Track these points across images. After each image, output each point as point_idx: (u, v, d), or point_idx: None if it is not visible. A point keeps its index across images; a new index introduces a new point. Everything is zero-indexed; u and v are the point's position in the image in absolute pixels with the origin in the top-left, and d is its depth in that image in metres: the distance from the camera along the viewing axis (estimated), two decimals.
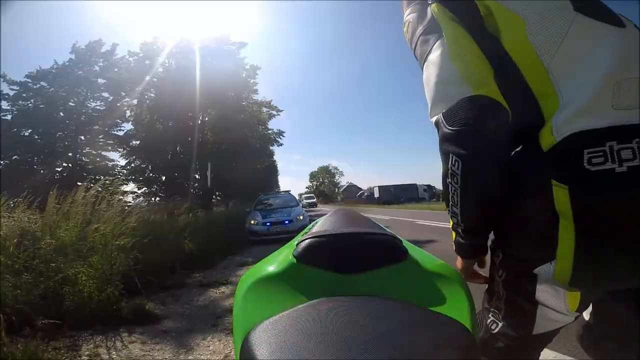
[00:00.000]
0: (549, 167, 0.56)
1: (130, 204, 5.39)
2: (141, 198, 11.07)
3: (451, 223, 0.70)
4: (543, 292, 0.62)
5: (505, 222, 0.66)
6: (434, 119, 0.64)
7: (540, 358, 0.74)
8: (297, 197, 13.90)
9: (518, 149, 0.63)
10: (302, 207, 9.97)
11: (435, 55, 0.64)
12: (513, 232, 0.66)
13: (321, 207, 30.27)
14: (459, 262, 0.75)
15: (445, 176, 0.63)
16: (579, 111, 0.55)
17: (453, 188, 0.63)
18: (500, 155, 0.61)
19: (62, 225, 3.11)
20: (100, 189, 3.95)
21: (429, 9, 0.67)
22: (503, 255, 0.69)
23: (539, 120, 0.59)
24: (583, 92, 0.55)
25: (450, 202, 0.66)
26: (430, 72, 0.65)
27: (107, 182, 4.29)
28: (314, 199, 46.33)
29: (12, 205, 3.36)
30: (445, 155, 0.62)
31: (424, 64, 0.67)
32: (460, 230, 0.69)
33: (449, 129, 0.60)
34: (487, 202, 0.63)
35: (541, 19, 0.59)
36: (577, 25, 0.59)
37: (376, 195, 42.86)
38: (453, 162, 0.60)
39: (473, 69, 0.60)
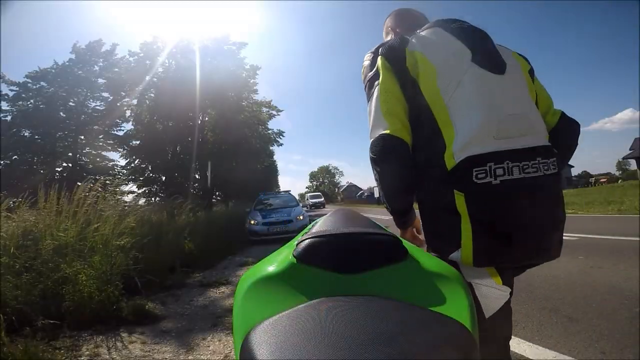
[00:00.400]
0: (452, 181, 0.78)
1: (130, 203, 5.37)
2: (142, 199, 11.07)
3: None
4: (469, 272, 0.78)
5: (425, 223, 0.88)
6: (371, 139, 0.89)
7: (540, 358, 0.76)
8: (298, 197, 13.88)
9: (433, 167, 0.82)
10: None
11: (374, 97, 0.88)
12: (431, 229, 0.87)
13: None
14: (400, 232, 0.98)
15: (377, 175, 0.90)
16: (469, 141, 0.76)
17: (379, 187, 0.93)
18: (396, 173, 0.85)
19: (63, 225, 3.11)
20: (100, 188, 3.94)
21: (378, 59, 0.90)
22: (428, 246, 0.89)
23: (442, 144, 0.80)
24: (471, 126, 0.77)
25: (380, 195, 0.97)
26: (370, 109, 0.89)
27: (107, 181, 4.28)
28: (321, 197, 35.64)
29: (12, 205, 3.35)
30: (372, 160, 0.88)
31: (368, 102, 0.92)
32: (389, 212, 0.95)
33: (370, 154, 0.87)
34: (395, 199, 0.91)
35: (447, 67, 0.82)
36: (470, 73, 0.81)
37: (376, 195, 42.76)
38: (374, 174, 0.89)
39: (392, 111, 0.84)
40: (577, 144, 0.99)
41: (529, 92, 0.88)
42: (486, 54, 0.85)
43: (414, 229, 0.99)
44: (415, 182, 0.87)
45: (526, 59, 0.98)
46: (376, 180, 0.91)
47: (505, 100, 0.80)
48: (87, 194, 3.63)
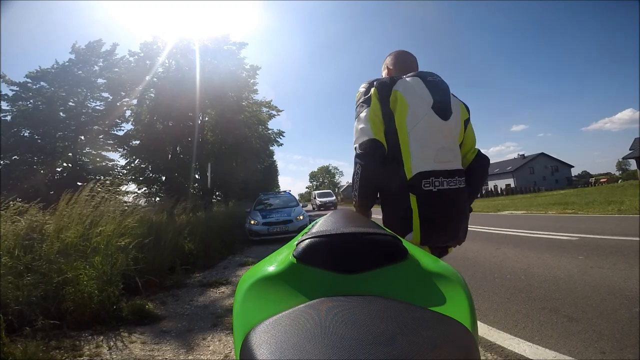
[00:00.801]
0: (409, 187, 1.15)
1: (130, 203, 5.37)
2: (142, 199, 11.05)
3: (354, 201, 1.26)
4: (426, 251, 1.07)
5: (388, 213, 1.23)
6: (355, 146, 1.18)
7: (540, 358, 0.77)
8: (298, 197, 13.87)
9: (396, 176, 1.17)
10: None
11: (363, 115, 1.19)
12: (393, 217, 1.21)
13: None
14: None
15: (354, 174, 1.20)
16: (420, 161, 1.16)
17: (356, 181, 1.19)
18: (376, 167, 1.15)
19: (69, 226, 3.12)
20: (109, 189, 3.96)
21: (372, 89, 1.22)
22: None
23: (401, 162, 1.17)
24: (422, 152, 1.16)
25: (354, 188, 1.22)
26: (358, 122, 1.20)
27: (107, 181, 4.28)
28: (332, 196, 29.94)
29: (11, 204, 3.35)
30: (355, 163, 1.17)
31: (356, 117, 1.22)
32: (355, 202, 1.26)
33: (358, 152, 1.16)
34: (368, 190, 1.20)
35: (415, 108, 1.18)
36: (428, 116, 1.18)
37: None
38: (357, 168, 1.17)
39: (375, 126, 1.16)
40: (487, 173, 1.42)
41: (459, 134, 1.29)
42: (442, 104, 1.22)
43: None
44: (383, 185, 1.22)
45: (468, 110, 1.38)
46: (356, 173, 1.19)
47: (444, 139, 1.21)
48: (94, 194, 3.64)
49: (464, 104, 1.37)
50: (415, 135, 1.17)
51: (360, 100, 1.23)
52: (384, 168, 1.16)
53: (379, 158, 1.15)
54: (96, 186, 3.88)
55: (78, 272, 2.70)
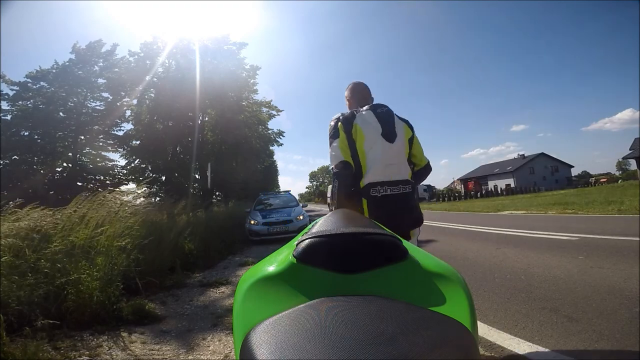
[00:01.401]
0: (362, 193, 1.58)
1: (130, 204, 5.37)
2: (142, 199, 11.03)
3: (329, 203, 1.71)
4: None
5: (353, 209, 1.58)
6: (331, 167, 1.62)
7: (540, 358, 0.77)
8: (297, 197, 13.85)
9: (356, 186, 1.60)
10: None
11: (334, 144, 1.62)
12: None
13: (321, 207, 30.17)
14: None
15: (333, 187, 1.62)
16: (370, 175, 1.58)
17: (334, 192, 1.60)
18: (347, 181, 1.58)
19: (78, 228, 3.13)
20: (114, 190, 3.98)
21: (339, 124, 1.64)
22: None
23: (360, 176, 1.59)
24: (373, 168, 1.58)
25: (333, 197, 1.61)
26: (332, 150, 1.62)
27: (118, 183, 4.31)
28: None
29: (11, 204, 3.35)
30: (334, 179, 1.60)
31: (330, 146, 1.63)
32: (334, 207, 1.60)
33: (334, 170, 1.60)
34: (343, 197, 1.57)
35: (369, 136, 1.60)
36: (379, 142, 1.59)
37: None
38: (335, 182, 1.58)
39: (344, 151, 1.59)
40: (424, 178, 1.86)
41: (405, 152, 1.70)
42: (388, 130, 1.65)
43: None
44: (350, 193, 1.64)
45: (412, 129, 1.77)
46: (334, 186, 1.62)
47: (390, 157, 1.62)
48: (105, 197, 3.66)
49: (408, 124, 1.76)
50: (370, 156, 1.61)
51: (331, 133, 1.67)
52: (353, 181, 1.62)
53: (350, 174, 1.60)
54: (104, 191, 3.91)
55: (82, 273, 2.70)
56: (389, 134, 1.63)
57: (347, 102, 1.89)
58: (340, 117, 1.67)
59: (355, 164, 1.61)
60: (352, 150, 1.62)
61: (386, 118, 1.66)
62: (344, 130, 1.63)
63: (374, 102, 1.81)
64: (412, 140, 1.76)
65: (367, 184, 1.58)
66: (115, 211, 3.65)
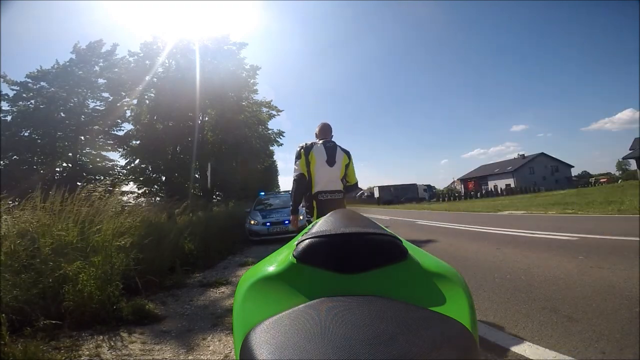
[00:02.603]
0: (314, 197, 2.58)
1: (131, 203, 5.36)
2: (142, 198, 11.04)
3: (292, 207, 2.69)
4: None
5: (309, 208, 2.62)
6: (294, 177, 2.58)
7: (540, 358, 0.76)
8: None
9: (309, 193, 2.59)
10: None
11: (297, 163, 2.57)
12: (310, 210, 2.60)
13: None
14: (292, 219, 2.78)
15: (292, 189, 2.67)
16: (318, 186, 2.57)
17: (292, 193, 2.68)
18: (302, 186, 2.56)
19: (62, 225, 3.10)
20: (107, 187, 3.95)
21: (302, 150, 2.57)
22: (307, 219, 2.67)
23: (311, 187, 2.58)
24: (319, 182, 2.57)
25: (292, 197, 2.67)
26: (295, 166, 2.58)
27: (107, 182, 4.27)
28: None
29: (10, 204, 3.35)
30: (293, 185, 2.62)
31: (295, 163, 2.58)
32: (291, 207, 2.69)
33: (294, 178, 2.58)
34: (298, 197, 2.61)
35: (318, 162, 2.57)
36: (324, 167, 2.57)
37: (376, 195, 42.79)
38: (294, 187, 2.61)
39: (302, 168, 2.55)
40: (351, 193, 2.76)
41: (340, 173, 2.60)
42: (331, 158, 2.55)
43: (299, 217, 2.82)
44: (306, 196, 2.58)
45: (349, 157, 2.68)
46: (293, 190, 2.61)
47: (330, 176, 2.56)
48: (89, 193, 3.62)
49: (347, 154, 2.69)
50: (317, 175, 2.55)
51: (297, 155, 2.58)
52: (306, 188, 2.56)
53: (304, 182, 2.54)
54: (93, 186, 3.87)
55: (78, 271, 2.70)
56: (330, 161, 2.57)
57: (315, 134, 2.78)
58: (304, 146, 2.58)
59: (308, 177, 2.54)
60: (308, 169, 2.53)
61: (331, 150, 2.59)
62: (304, 155, 2.54)
63: (331, 138, 2.71)
64: (348, 165, 2.68)
65: (316, 191, 2.56)
66: (106, 209, 3.62)
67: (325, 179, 2.52)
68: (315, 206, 2.53)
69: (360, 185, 2.87)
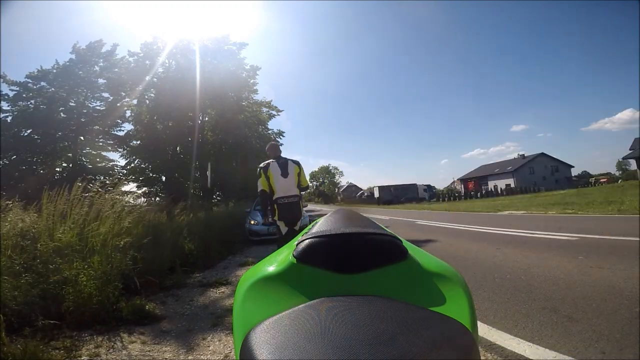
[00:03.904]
0: (275, 202, 3.43)
1: (129, 203, 5.35)
2: (142, 198, 11.03)
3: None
4: (282, 225, 3.46)
5: (272, 210, 3.48)
6: (259, 190, 3.51)
7: (540, 358, 0.76)
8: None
9: (271, 199, 3.47)
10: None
11: (259, 180, 3.45)
12: (272, 212, 3.47)
13: (321, 207, 30.19)
14: (265, 220, 3.59)
15: (258, 197, 3.80)
16: (277, 193, 3.43)
17: (260, 202, 3.73)
18: (265, 198, 3.47)
19: (63, 227, 3.10)
20: (99, 189, 3.93)
21: (261, 170, 3.46)
22: (273, 219, 3.52)
23: (272, 194, 3.45)
24: (279, 190, 3.43)
25: (262, 204, 3.65)
26: (259, 182, 3.46)
27: (107, 181, 4.25)
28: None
29: (9, 205, 3.34)
30: (259, 196, 3.60)
31: (258, 180, 3.46)
32: (262, 212, 3.74)
33: (259, 191, 3.50)
34: (264, 207, 3.53)
35: (274, 175, 3.42)
36: (280, 178, 3.44)
37: (376, 195, 42.83)
38: (259, 197, 3.62)
39: (264, 184, 3.43)
40: (307, 189, 3.77)
41: (295, 181, 3.47)
42: (284, 171, 3.43)
43: (270, 217, 3.48)
44: (269, 203, 3.46)
45: (299, 166, 3.56)
46: (260, 199, 3.62)
47: (286, 185, 3.42)
48: (85, 194, 3.61)
49: (298, 165, 3.52)
50: (276, 185, 3.36)
51: (258, 173, 3.40)
52: (268, 196, 3.39)
53: (267, 195, 3.40)
54: (93, 185, 3.86)
55: (77, 272, 2.70)
56: (284, 174, 3.39)
57: (267, 154, 3.56)
58: (262, 167, 3.41)
59: (270, 189, 3.37)
60: (268, 182, 3.36)
61: (283, 165, 3.41)
62: (264, 173, 3.38)
63: (280, 154, 3.53)
64: (300, 173, 3.50)
65: (277, 197, 3.37)
66: (106, 209, 3.61)
67: (282, 187, 3.38)
68: (277, 208, 3.37)
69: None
